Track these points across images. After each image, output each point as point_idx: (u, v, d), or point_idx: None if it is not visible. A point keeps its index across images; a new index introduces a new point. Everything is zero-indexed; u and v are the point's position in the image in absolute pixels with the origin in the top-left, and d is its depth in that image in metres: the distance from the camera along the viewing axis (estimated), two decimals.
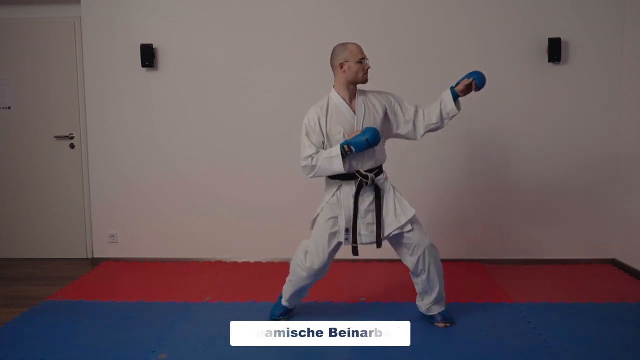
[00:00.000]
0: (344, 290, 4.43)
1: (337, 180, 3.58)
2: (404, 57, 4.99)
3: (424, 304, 3.74)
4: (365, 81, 3.57)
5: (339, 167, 3.45)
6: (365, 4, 4.98)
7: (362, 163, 3.53)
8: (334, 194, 3.59)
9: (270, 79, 5.07)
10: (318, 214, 3.64)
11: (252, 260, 5.21)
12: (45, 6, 5.27)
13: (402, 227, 3.57)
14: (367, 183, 3.53)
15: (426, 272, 3.62)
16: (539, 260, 5.07)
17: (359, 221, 3.56)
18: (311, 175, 3.55)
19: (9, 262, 5.40)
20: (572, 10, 4.89)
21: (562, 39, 4.86)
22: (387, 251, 5.03)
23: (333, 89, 3.61)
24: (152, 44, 5.07)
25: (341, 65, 3.53)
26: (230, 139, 5.16)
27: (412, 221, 3.60)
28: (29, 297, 4.43)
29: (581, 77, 4.93)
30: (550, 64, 4.93)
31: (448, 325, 3.72)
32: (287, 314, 3.87)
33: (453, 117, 3.66)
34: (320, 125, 3.51)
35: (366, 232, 3.58)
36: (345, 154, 3.43)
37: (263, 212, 5.15)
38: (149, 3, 5.10)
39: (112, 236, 5.33)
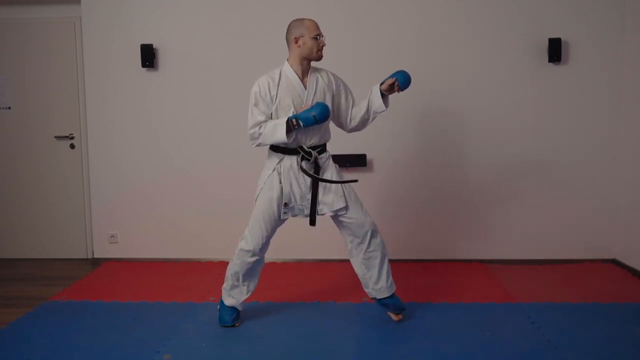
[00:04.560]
0: (347, 290, 4.41)
1: (279, 154, 3.56)
2: (404, 57, 4.99)
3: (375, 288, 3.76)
4: (319, 58, 3.55)
5: (281, 134, 3.39)
6: (366, 5, 4.99)
7: (306, 137, 3.53)
8: (274, 169, 3.57)
9: None
10: (260, 189, 3.62)
11: None
12: (45, 6, 5.26)
13: (337, 210, 3.60)
14: (309, 160, 3.53)
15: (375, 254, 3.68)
16: (539, 260, 5.08)
17: (299, 195, 3.58)
18: (257, 143, 3.52)
19: (9, 262, 5.39)
20: (572, 10, 4.90)
21: (562, 39, 4.88)
22: (388, 252, 5.07)
23: (286, 62, 3.58)
24: (152, 44, 5.07)
25: (296, 40, 3.50)
26: (231, 138, 5.15)
27: (349, 203, 3.61)
28: (29, 297, 4.42)
29: (581, 77, 4.95)
30: (550, 64, 4.94)
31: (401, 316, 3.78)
32: (237, 316, 3.79)
33: (379, 113, 3.63)
34: (270, 94, 3.49)
35: (306, 206, 3.61)
36: (292, 127, 3.41)
37: None
38: (149, 3, 5.10)
39: (112, 236, 5.33)
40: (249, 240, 3.62)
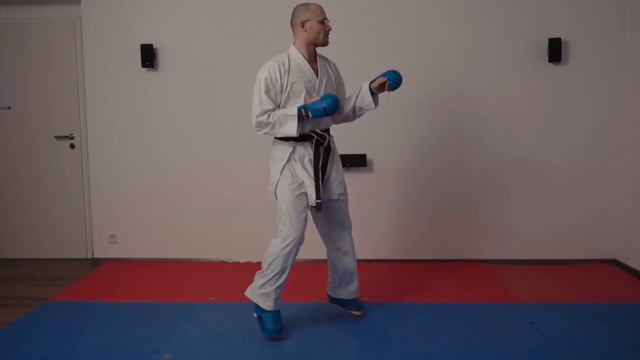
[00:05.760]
0: None
1: (291, 142, 3.46)
2: (405, 58, 4.98)
3: (349, 289, 3.78)
4: (325, 43, 3.50)
5: (292, 127, 3.32)
6: (366, 5, 4.99)
7: (316, 124, 3.48)
8: (288, 158, 3.47)
9: None
10: (277, 181, 3.50)
11: (254, 261, 5.20)
12: (45, 6, 5.26)
13: (340, 194, 3.61)
14: (322, 143, 3.49)
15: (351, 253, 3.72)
16: (539, 260, 5.08)
17: (309, 183, 3.50)
18: (263, 131, 3.41)
19: (9, 262, 5.39)
20: (572, 10, 4.90)
21: (562, 39, 4.88)
22: (388, 251, 5.09)
23: (292, 46, 3.52)
24: (152, 44, 5.07)
25: (302, 24, 3.44)
26: (231, 138, 5.16)
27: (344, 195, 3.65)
28: (30, 297, 4.42)
29: (581, 77, 4.95)
30: (550, 64, 4.94)
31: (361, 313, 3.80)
32: (281, 323, 3.58)
33: (366, 111, 3.64)
34: (281, 81, 3.39)
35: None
36: (301, 118, 3.34)
37: (264, 211, 5.12)
38: (149, 3, 5.10)
39: (112, 236, 5.33)
40: (291, 232, 3.47)
